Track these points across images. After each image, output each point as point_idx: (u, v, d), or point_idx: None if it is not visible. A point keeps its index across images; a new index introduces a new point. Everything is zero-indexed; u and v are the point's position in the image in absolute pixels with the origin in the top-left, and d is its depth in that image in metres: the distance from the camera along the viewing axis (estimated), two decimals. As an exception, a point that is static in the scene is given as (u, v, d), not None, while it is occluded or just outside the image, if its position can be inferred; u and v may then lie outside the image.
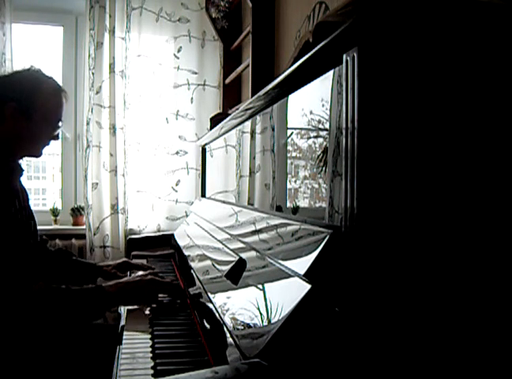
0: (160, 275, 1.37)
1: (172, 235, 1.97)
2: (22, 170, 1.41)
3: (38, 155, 1.40)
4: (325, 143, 0.81)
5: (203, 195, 2.23)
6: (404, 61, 0.66)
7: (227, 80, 2.68)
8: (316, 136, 0.86)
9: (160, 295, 1.28)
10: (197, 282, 1.16)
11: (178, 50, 2.70)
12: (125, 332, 1.08)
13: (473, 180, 0.69)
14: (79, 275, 1.60)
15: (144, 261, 1.66)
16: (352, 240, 0.66)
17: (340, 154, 0.72)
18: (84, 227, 2.59)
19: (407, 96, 0.66)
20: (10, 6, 2.45)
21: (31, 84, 1.33)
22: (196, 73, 2.73)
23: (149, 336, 1.04)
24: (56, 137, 1.40)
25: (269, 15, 2.11)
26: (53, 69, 2.78)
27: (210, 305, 0.95)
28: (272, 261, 0.85)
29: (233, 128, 1.54)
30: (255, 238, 1.04)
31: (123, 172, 2.57)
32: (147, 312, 1.21)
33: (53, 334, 1.24)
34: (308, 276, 0.69)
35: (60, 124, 1.40)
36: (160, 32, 2.67)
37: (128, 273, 1.67)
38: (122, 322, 1.16)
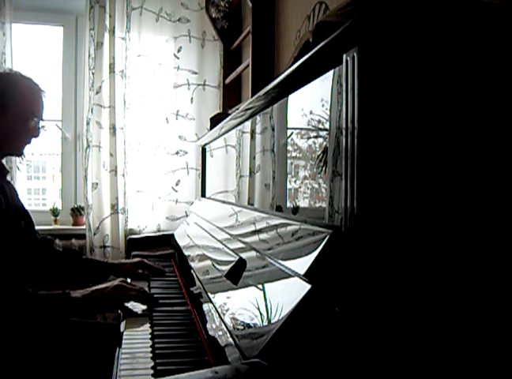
0: (128, 282, 1.33)
1: (172, 235, 1.97)
2: (6, 170, 1.45)
3: (19, 153, 1.44)
4: (325, 143, 0.81)
5: (203, 195, 2.23)
6: (404, 62, 0.66)
7: (227, 80, 2.68)
8: (316, 136, 0.86)
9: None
10: (197, 282, 1.16)
11: (178, 50, 2.69)
12: (125, 332, 1.08)
13: (473, 180, 0.69)
14: (89, 274, 1.61)
15: None
16: (352, 240, 0.66)
17: (340, 154, 0.72)
18: (84, 226, 2.59)
19: (407, 96, 0.66)
20: (10, 6, 2.45)
21: (8, 82, 1.38)
22: (196, 73, 2.73)
23: (149, 336, 1.04)
24: (36, 134, 1.44)
25: (269, 15, 2.11)
26: (53, 69, 2.78)
27: (210, 305, 0.95)
28: (272, 261, 0.85)
29: (233, 128, 1.54)
30: (255, 238, 1.04)
31: (123, 172, 2.57)
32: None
33: (39, 334, 1.26)
34: (308, 276, 0.69)
35: (39, 121, 1.43)
36: (160, 32, 2.67)
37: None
38: (122, 324, 1.16)
